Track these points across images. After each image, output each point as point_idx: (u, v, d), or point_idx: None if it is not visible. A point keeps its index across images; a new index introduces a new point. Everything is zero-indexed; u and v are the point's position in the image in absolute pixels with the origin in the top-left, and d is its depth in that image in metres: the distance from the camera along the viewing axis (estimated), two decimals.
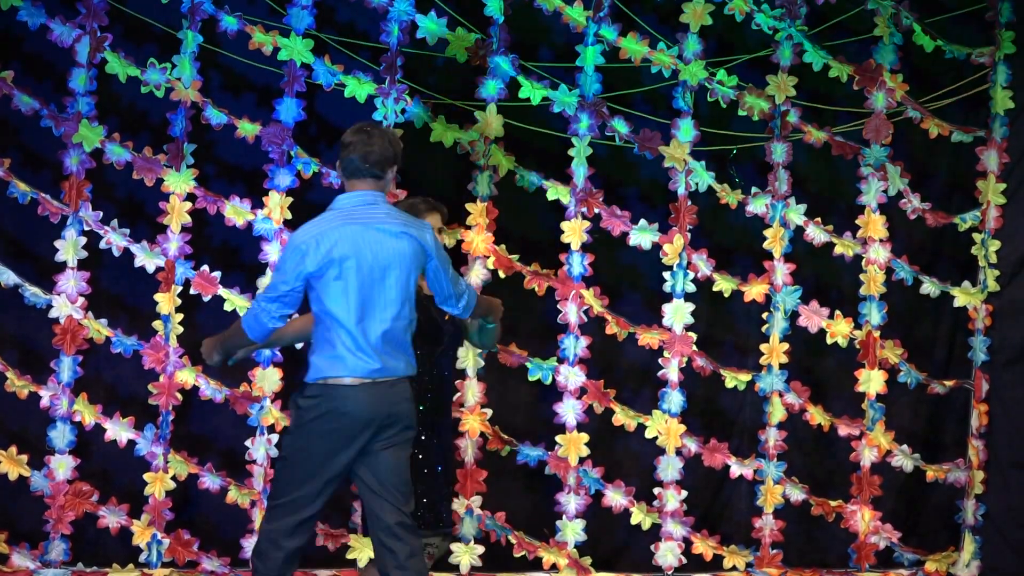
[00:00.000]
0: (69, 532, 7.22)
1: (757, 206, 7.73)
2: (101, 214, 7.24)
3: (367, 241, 5.48)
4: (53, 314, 7.19)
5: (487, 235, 7.45)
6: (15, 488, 7.24)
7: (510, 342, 7.50)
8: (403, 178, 7.29)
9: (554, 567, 7.52)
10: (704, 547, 7.68)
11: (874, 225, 7.87)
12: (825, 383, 7.98)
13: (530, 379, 7.50)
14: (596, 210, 7.52)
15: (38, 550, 7.25)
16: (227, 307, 7.26)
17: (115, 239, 7.25)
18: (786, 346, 7.77)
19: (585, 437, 7.51)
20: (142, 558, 7.29)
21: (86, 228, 7.22)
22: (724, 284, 7.68)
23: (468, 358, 7.36)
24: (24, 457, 7.21)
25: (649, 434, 7.60)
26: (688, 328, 7.63)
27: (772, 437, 7.77)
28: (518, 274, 7.49)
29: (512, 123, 7.48)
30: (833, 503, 7.89)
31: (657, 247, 7.60)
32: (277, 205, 7.28)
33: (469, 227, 7.44)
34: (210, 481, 7.30)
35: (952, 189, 8.12)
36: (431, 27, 7.36)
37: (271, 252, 7.22)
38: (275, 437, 7.26)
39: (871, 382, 7.85)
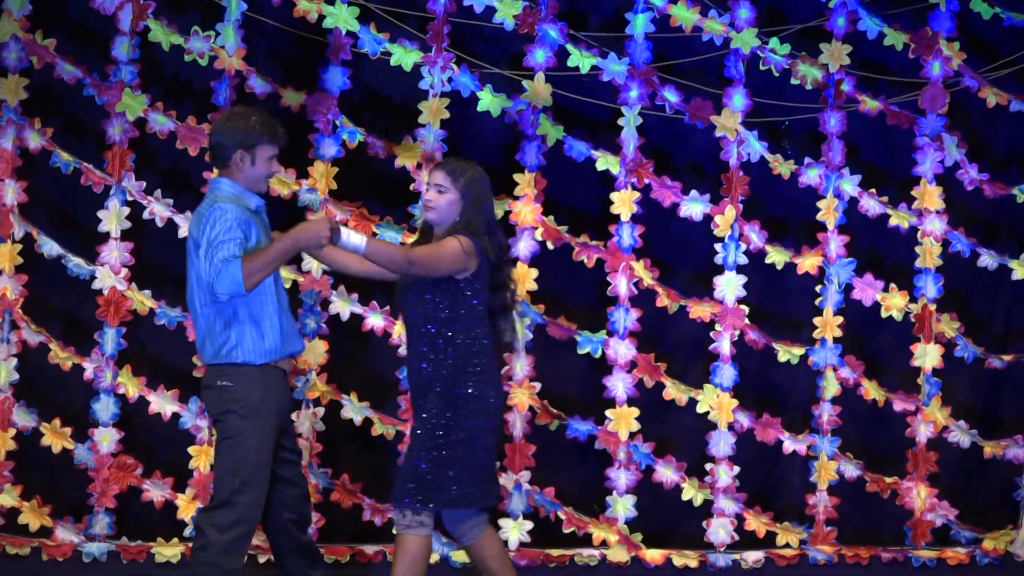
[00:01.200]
0: (113, 506, 7.26)
1: (810, 177, 7.69)
2: (144, 184, 7.27)
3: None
4: (96, 285, 7.22)
5: (535, 206, 7.43)
6: (59, 461, 7.27)
7: (559, 315, 7.50)
8: (449, 148, 7.33)
9: (604, 543, 7.51)
10: (757, 524, 7.66)
11: (930, 196, 7.82)
12: (880, 357, 7.91)
13: (579, 352, 7.48)
14: (646, 180, 7.51)
15: (82, 524, 7.29)
16: None
17: (159, 209, 7.26)
18: (840, 319, 7.71)
19: (635, 411, 7.50)
20: (187, 532, 7.29)
21: (129, 198, 7.25)
22: (777, 256, 7.65)
23: (517, 330, 7.00)
24: (68, 430, 7.25)
25: (701, 408, 7.58)
26: (740, 301, 7.60)
27: (826, 412, 7.72)
28: (567, 246, 7.48)
29: (560, 92, 7.46)
30: (888, 479, 7.83)
31: (708, 218, 7.58)
32: (322, 175, 7.28)
33: (517, 198, 7.44)
34: None
35: (1010, 160, 8.04)
36: None
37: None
38: (321, 410, 7.29)
39: (927, 356, 7.79)
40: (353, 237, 5.56)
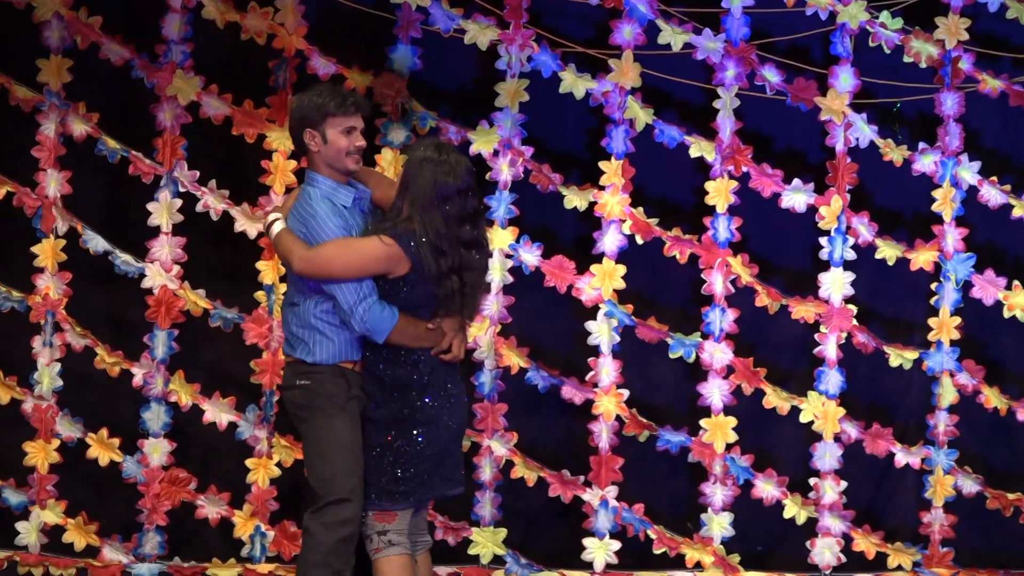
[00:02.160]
0: (164, 523, 7.26)
1: (925, 164, 7.49)
2: (198, 174, 7.23)
3: None
4: (146, 284, 7.20)
5: (623, 196, 7.32)
6: (106, 475, 7.27)
7: (649, 315, 7.39)
8: (528, 133, 7.29)
9: (698, 565, 7.44)
10: (866, 544, 7.52)
11: None
12: (1001, 362, 7.75)
13: (671, 356, 7.39)
14: (744, 168, 7.36)
15: (131, 543, 7.28)
16: None
17: (213, 201, 7.22)
18: (958, 320, 7.57)
19: (733, 421, 7.40)
20: (244, 552, 7.31)
21: (181, 189, 7.22)
22: (888, 251, 7.47)
23: (602, 332, 7.27)
24: (115, 441, 7.24)
25: (804, 418, 7.45)
26: (847, 300, 7.44)
27: (942, 422, 7.58)
28: (657, 240, 7.36)
29: (650, 72, 7.35)
30: (1011, 496, 7.67)
31: (813, 209, 7.42)
32: (391, 164, 7.20)
33: (603, 187, 7.32)
34: None
35: None
36: None
37: None
38: None
39: None
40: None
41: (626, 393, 7.37)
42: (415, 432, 5.69)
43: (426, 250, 5.61)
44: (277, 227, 5.63)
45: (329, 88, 5.74)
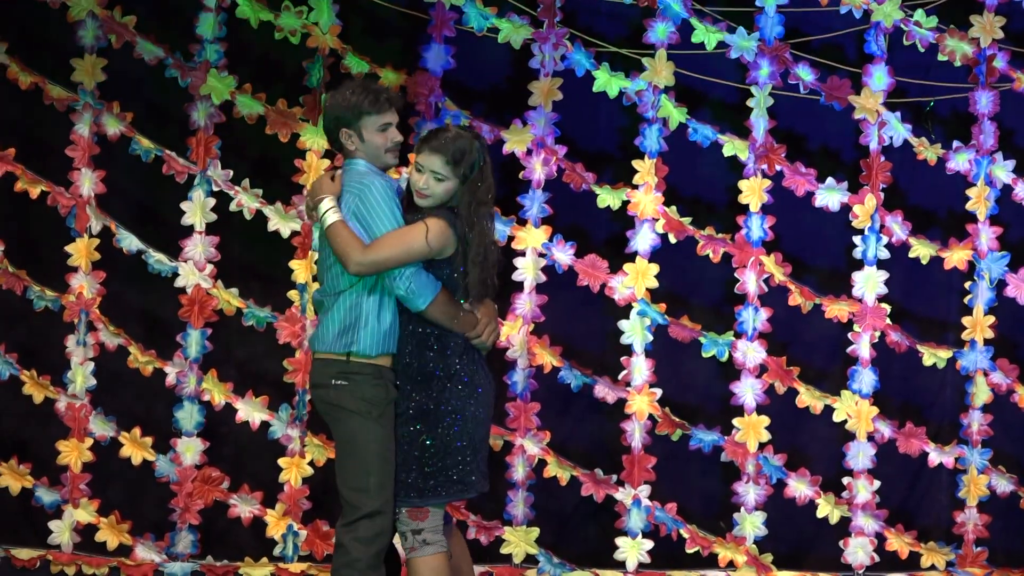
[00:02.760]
0: (197, 522, 7.26)
1: (959, 162, 7.45)
2: (231, 173, 7.24)
3: None
4: (179, 283, 7.21)
5: (656, 195, 7.30)
6: (139, 474, 7.27)
7: (682, 314, 7.37)
8: (562, 132, 7.29)
9: (731, 564, 7.42)
10: (899, 544, 7.49)
11: None
12: None
13: (704, 355, 7.38)
14: (778, 167, 7.35)
15: (164, 542, 7.28)
16: None
17: (246, 200, 7.23)
18: (991, 319, 7.52)
19: (766, 420, 7.37)
20: (277, 551, 7.30)
21: (215, 188, 7.22)
22: (921, 249, 7.45)
23: (635, 331, 7.26)
24: (148, 440, 7.25)
25: (837, 417, 7.42)
26: (881, 299, 7.42)
27: (976, 421, 7.52)
28: (690, 239, 7.34)
29: (683, 72, 7.34)
30: None
31: (846, 208, 7.39)
32: None
33: (636, 186, 7.30)
34: None
35: None
36: None
37: None
38: None
39: None
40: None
41: (659, 392, 7.35)
42: (444, 424, 5.63)
43: (471, 228, 5.61)
44: (331, 217, 5.49)
45: (361, 85, 5.69)
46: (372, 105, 5.59)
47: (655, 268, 7.31)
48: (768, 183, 7.35)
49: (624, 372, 7.31)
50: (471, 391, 5.65)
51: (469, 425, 5.64)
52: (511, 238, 7.18)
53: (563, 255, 7.27)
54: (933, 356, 7.49)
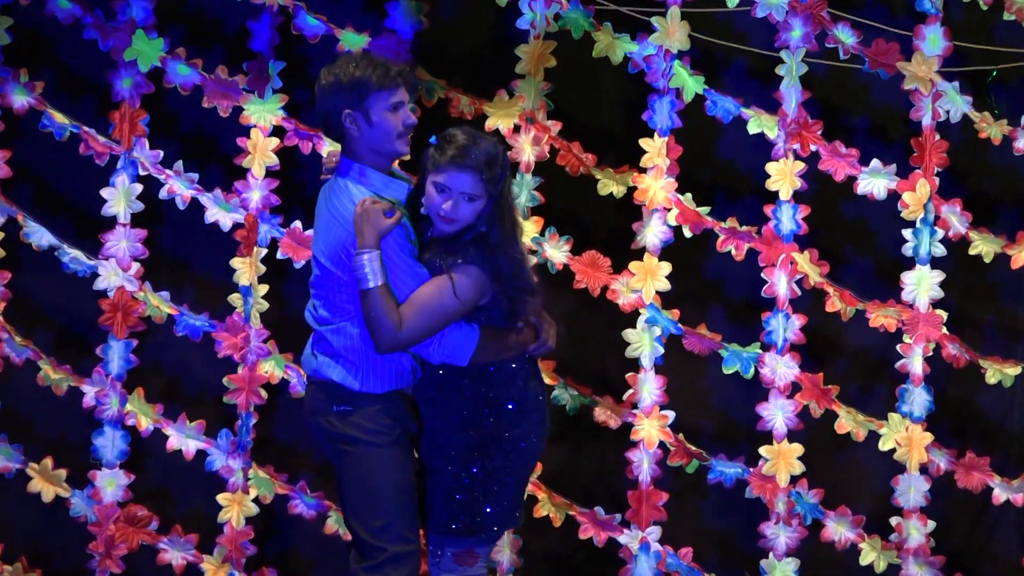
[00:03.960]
0: (119, 570, 7.05)
1: None
2: (161, 154, 7.00)
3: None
4: (99, 285, 6.98)
5: (668, 181, 6.98)
6: (51, 513, 7.15)
7: (698, 323, 7.08)
8: (555, 105, 7.04)
9: None
10: None
11: None
12: None
13: (725, 371, 7.08)
14: (813, 147, 7.02)
15: None
16: None
17: (179, 187, 6.99)
18: None
19: (799, 449, 7.06)
20: None
21: (142, 172, 6.99)
22: (984, 246, 7.12)
23: (643, 343, 6.96)
24: (62, 472, 7.06)
25: (884, 445, 7.10)
26: (936, 304, 7.09)
27: None
28: (708, 232, 7.05)
29: (699, 36, 7.03)
30: None
31: (895, 196, 7.05)
32: None
33: (644, 170, 6.99)
34: (304, 505, 7.04)
35: None
36: None
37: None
38: None
39: None
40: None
41: (671, 415, 7.06)
42: (508, 457, 5.49)
43: (500, 252, 5.44)
44: (371, 280, 5.24)
45: (365, 57, 5.49)
46: (382, 80, 5.38)
47: (666, 267, 7.00)
48: (801, 166, 7.06)
49: (630, 391, 7.05)
50: (539, 414, 5.60)
51: (527, 458, 5.59)
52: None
53: (557, 252, 6.98)
54: (998, 372, 7.21)
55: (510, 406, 5.49)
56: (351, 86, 5.36)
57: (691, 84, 6.98)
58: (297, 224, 6.91)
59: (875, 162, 7.05)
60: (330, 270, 5.33)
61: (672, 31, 6.95)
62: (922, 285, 7.08)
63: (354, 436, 5.41)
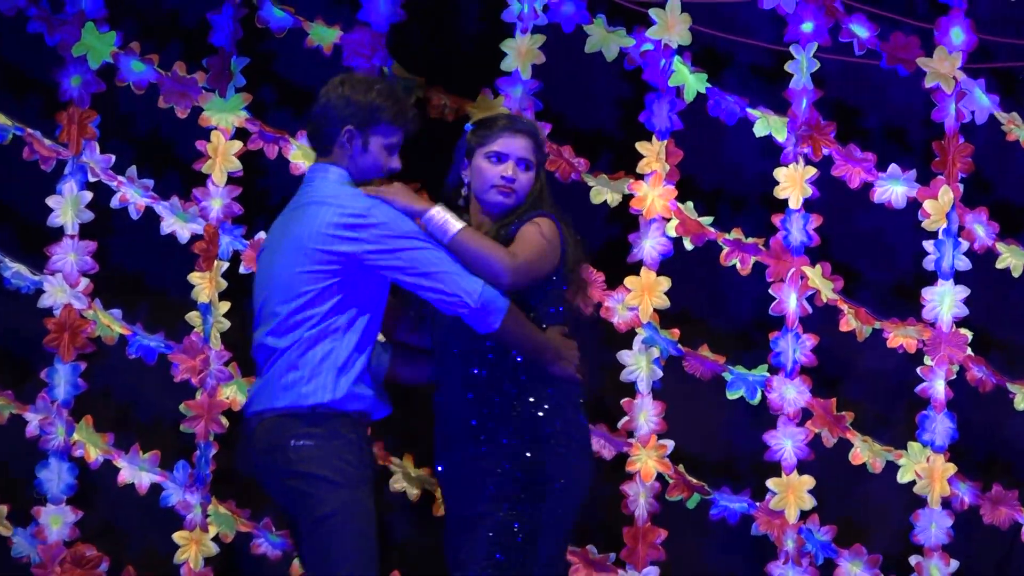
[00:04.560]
0: None
1: None
2: (113, 159, 6.86)
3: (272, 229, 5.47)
4: (44, 302, 6.82)
5: (667, 188, 6.83)
6: None
7: (700, 343, 6.92)
8: (544, 105, 6.93)
9: None
10: None
11: None
12: None
13: (729, 396, 6.91)
14: (825, 151, 6.88)
15: None
16: None
17: (133, 195, 6.84)
18: None
19: (810, 481, 6.87)
20: None
21: (91, 179, 6.86)
22: (1013, 258, 6.94)
23: (640, 365, 6.82)
24: (3, 509, 6.86)
25: (903, 477, 6.90)
26: (960, 323, 6.93)
27: None
28: (712, 244, 6.90)
29: (701, 29, 6.90)
30: None
31: (915, 204, 6.91)
32: None
33: (641, 176, 6.84)
34: (268, 544, 6.83)
35: None
36: None
37: None
38: None
39: None
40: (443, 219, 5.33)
41: (670, 445, 6.87)
42: (558, 497, 5.29)
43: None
44: (457, 222, 5.20)
45: (388, 88, 5.47)
46: (396, 116, 5.37)
47: (666, 283, 6.83)
48: (813, 172, 6.91)
49: (625, 419, 6.86)
50: (586, 442, 5.45)
51: (580, 490, 5.41)
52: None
53: None
54: None
55: (548, 428, 5.32)
56: (366, 109, 5.33)
57: (692, 82, 6.87)
58: (262, 235, 6.69)
59: (893, 167, 6.90)
60: (313, 280, 5.17)
61: (672, 24, 6.84)
62: (945, 302, 6.92)
63: (317, 473, 5.16)
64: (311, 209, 5.23)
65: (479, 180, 5.42)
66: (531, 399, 5.37)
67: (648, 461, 6.81)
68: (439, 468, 5.39)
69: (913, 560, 6.91)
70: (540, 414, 5.34)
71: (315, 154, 5.45)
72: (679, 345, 6.84)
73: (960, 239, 6.91)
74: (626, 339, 6.81)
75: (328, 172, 5.33)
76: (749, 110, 6.88)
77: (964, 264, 6.91)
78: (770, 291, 6.87)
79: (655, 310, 6.83)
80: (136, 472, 6.79)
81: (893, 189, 6.88)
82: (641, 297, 6.79)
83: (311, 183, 5.37)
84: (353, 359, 5.26)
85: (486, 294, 5.19)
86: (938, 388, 6.89)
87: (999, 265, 6.94)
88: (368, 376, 5.31)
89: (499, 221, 5.42)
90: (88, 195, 6.77)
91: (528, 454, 5.30)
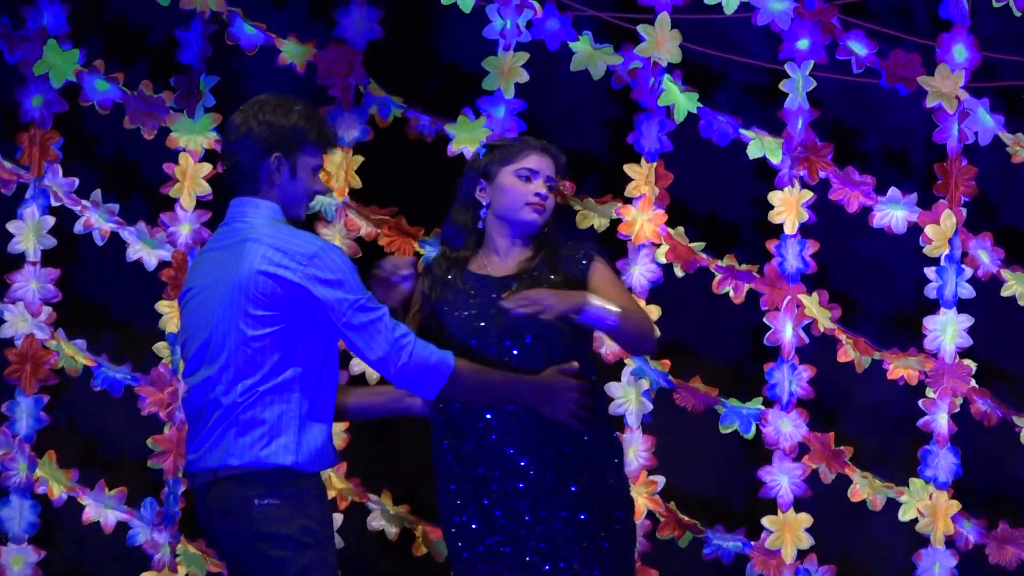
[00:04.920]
0: None
1: None
2: (77, 182, 6.87)
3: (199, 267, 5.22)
4: (5, 332, 6.83)
5: (656, 212, 6.77)
6: None
7: (692, 375, 6.85)
8: (528, 126, 6.87)
9: None
10: None
11: None
12: None
13: (722, 430, 6.84)
14: (822, 174, 6.80)
15: None
16: None
17: (97, 220, 6.83)
18: None
19: (807, 519, 6.78)
20: None
21: (54, 203, 6.86)
22: (1019, 286, 6.84)
23: (629, 398, 6.75)
24: None
25: (905, 515, 6.80)
26: (963, 354, 6.82)
27: None
28: (704, 271, 6.83)
29: (692, 47, 6.84)
30: None
31: (916, 230, 6.82)
32: (340, 168, 6.86)
33: (629, 200, 6.78)
34: None
35: None
36: None
37: (331, 240, 6.72)
38: (337, 518, 6.74)
39: None
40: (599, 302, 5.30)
41: (661, 481, 6.81)
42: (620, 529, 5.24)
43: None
44: (614, 307, 5.17)
45: (306, 110, 5.28)
46: (319, 139, 5.21)
47: (655, 311, 6.70)
48: (809, 195, 6.85)
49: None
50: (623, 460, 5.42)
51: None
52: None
53: None
54: None
55: (595, 453, 5.21)
56: (291, 133, 5.15)
57: (683, 102, 6.78)
58: None
59: (893, 191, 6.80)
60: (268, 328, 4.93)
61: (661, 41, 6.76)
62: (948, 331, 6.82)
63: (283, 534, 4.93)
64: (249, 247, 5.04)
65: (508, 199, 5.29)
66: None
67: (638, 498, 6.69)
68: None
69: None
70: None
71: (235, 189, 5.24)
72: (670, 377, 6.77)
73: (963, 266, 6.81)
74: (615, 370, 6.75)
75: (259, 207, 5.14)
76: (742, 131, 6.79)
77: (968, 292, 6.80)
78: (765, 320, 6.78)
79: None
80: (102, 510, 6.70)
81: (893, 213, 6.78)
82: None
83: (242, 219, 5.16)
84: (315, 415, 5.08)
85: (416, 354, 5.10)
86: (941, 422, 6.79)
87: (1004, 293, 6.83)
88: (328, 430, 5.16)
89: (531, 247, 5.30)
90: (51, 220, 6.72)
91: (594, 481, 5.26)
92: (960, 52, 6.76)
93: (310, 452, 5.01)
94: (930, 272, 6.80)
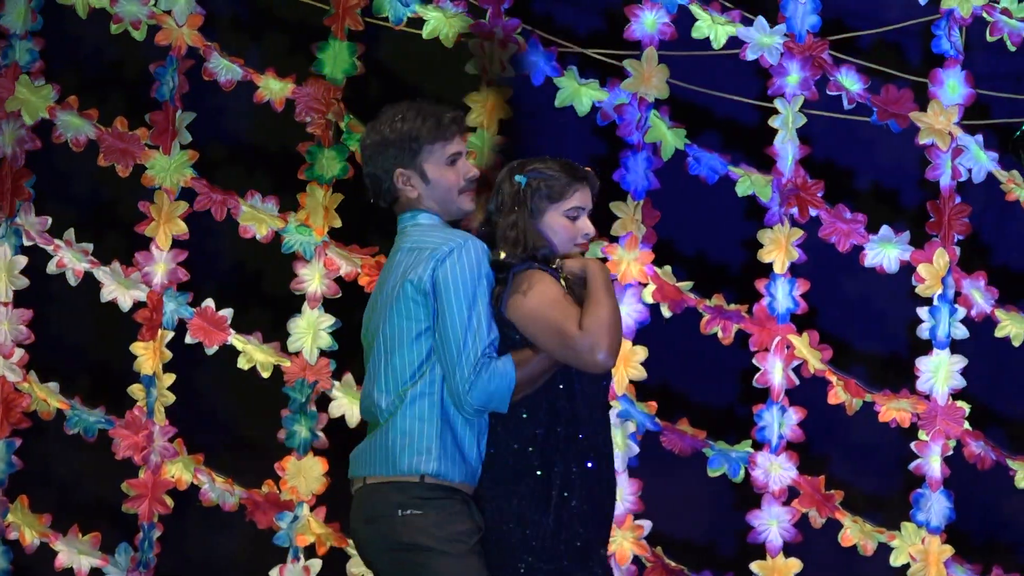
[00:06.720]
0: None
1: None
2: (50, 221, 6.94)
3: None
4: None
5: (643, 251, 6.80)
6: None
7: (679, 417, 6.86)
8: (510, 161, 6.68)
9: None
10: None
11: None
12: None
13: (711, 474, 6.84)
14: (812, 212, 6.81)
15: None
16: (242, 363, 6.84)
17: (71, 259, 6.87)
18: None
19: (797, 565, 6.77)
20: None
21: (27, 242, 6.93)
22: (1013, 327, 6.83)
23: (616, 442, 6.61)
24: None
25: (897, 560, 6.79)
26: (957, 395, 6.80)
27: None
28: (691, 311, 6.81)
29: (678, 83, 6.85)
30: None
31: (908, 269, 6.82)
32: (319, 206, 6.89)
33: (615, 239, 6.82)
34: None
35: None
36: None
37: (310, 280, 6.81)
38: (316, 564, 6.86)
39: None
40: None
41: (647, 526, 6.82)
42: None
43: None
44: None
45: (413, 107, 5.31)
46: (435, 131, 5.23)
47: (642, 352, 6.78)
48: (799, 234, 6.87)
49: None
50: None
51: None
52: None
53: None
54: None
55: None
56: (401, 140, 5.20)
57: (670, 138, 6.80)
58: (209, 303, 6.73)
59: (885, 229, 6.80)
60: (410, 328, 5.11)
61: (648, 76, 6.80)
62: (940, 373, 6.82)
63: (425, 544, 5.04)
64: (410, 254, 5.12)
65: (556, 239, 5.28)
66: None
67: (624, 543, 6.72)
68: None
69: None
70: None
71: (393, 209, 5.28)
72: (657, 419, 6.76)
73: (957, 306, 6.79)
74: None
75: (417, 217, 5.21)
76: (731, 168, 6.79)
77: (961, 332, 6.80)
78: (754, 361, 6.77)
79: (631, 381, 6.76)
80: (75, 556, 6.74)
81: (885, 252, 6.78)
82: (616, 368, 6.62)
83: (404, 232, 5.22)
84: (463, 424, 5.14)
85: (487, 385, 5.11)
86: (933, 465, 6.77)
87: (998, 333, 6.81)
88: (478, 440, 5.19)
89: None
90: (23, 260, 6.76)
91: None
92: (954, 88, 6.78)
93: (458, 463, 5.11)
94: (923, 312, 6.81)
